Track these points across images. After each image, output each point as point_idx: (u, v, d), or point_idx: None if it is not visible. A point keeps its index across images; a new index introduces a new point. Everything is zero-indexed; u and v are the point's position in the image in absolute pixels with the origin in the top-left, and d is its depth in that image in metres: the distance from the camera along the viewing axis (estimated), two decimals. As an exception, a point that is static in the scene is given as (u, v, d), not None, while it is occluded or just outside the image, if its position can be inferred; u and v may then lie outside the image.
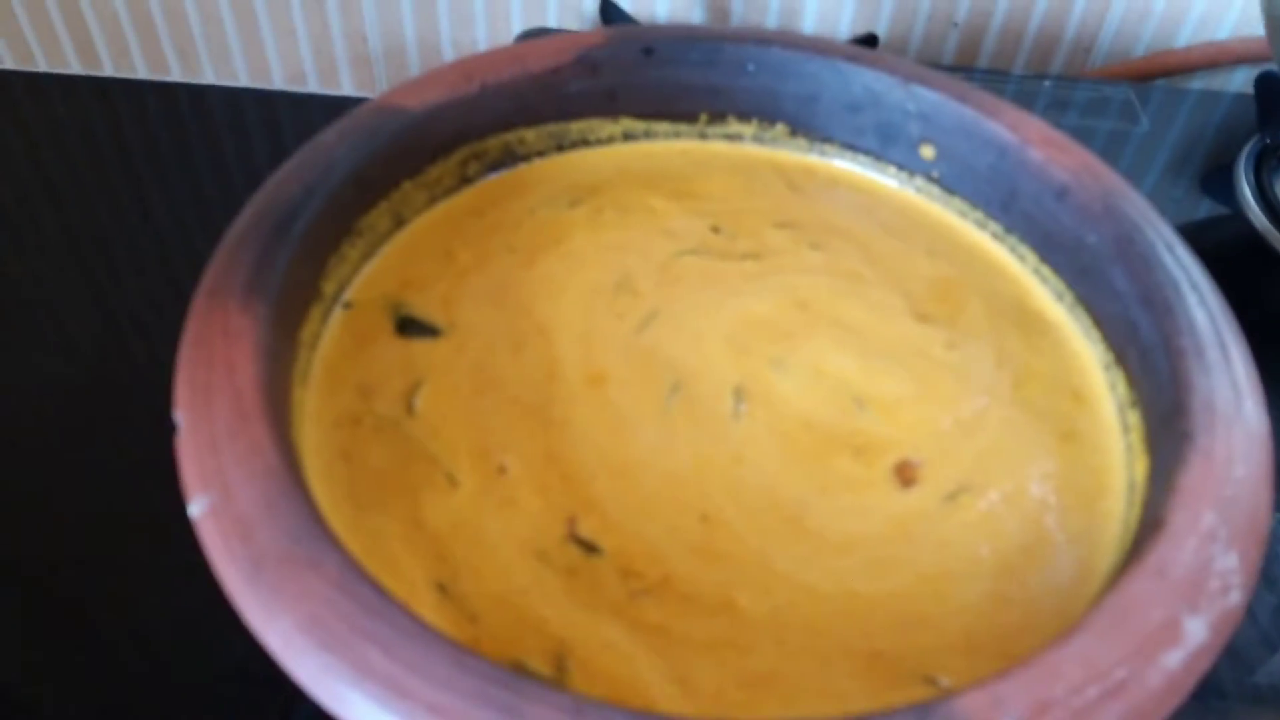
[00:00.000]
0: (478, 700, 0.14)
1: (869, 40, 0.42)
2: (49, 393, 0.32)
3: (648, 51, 0.26)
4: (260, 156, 0.43)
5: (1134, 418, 0.21)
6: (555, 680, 0.17)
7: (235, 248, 0.19)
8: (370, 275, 0.23)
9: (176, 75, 0.49)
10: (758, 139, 0.28)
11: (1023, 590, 0.19)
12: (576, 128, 0.27)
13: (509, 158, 0.26)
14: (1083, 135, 0.43)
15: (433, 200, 0.25)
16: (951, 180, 0.26)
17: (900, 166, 0.27)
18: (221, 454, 0.16)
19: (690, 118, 0.27)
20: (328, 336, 0.22)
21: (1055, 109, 0.44)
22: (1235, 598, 0.16)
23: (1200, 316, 0.20)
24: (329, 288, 0.22)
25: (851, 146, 0.27)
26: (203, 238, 0.38)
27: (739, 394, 0.22)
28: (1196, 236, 0.42)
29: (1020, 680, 0.15)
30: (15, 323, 0.34)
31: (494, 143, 0.26)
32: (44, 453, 0.30)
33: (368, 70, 0.49)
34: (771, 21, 0.47)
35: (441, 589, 0.18)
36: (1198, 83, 0.49)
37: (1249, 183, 0.38)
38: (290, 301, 0.20)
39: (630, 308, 0.23)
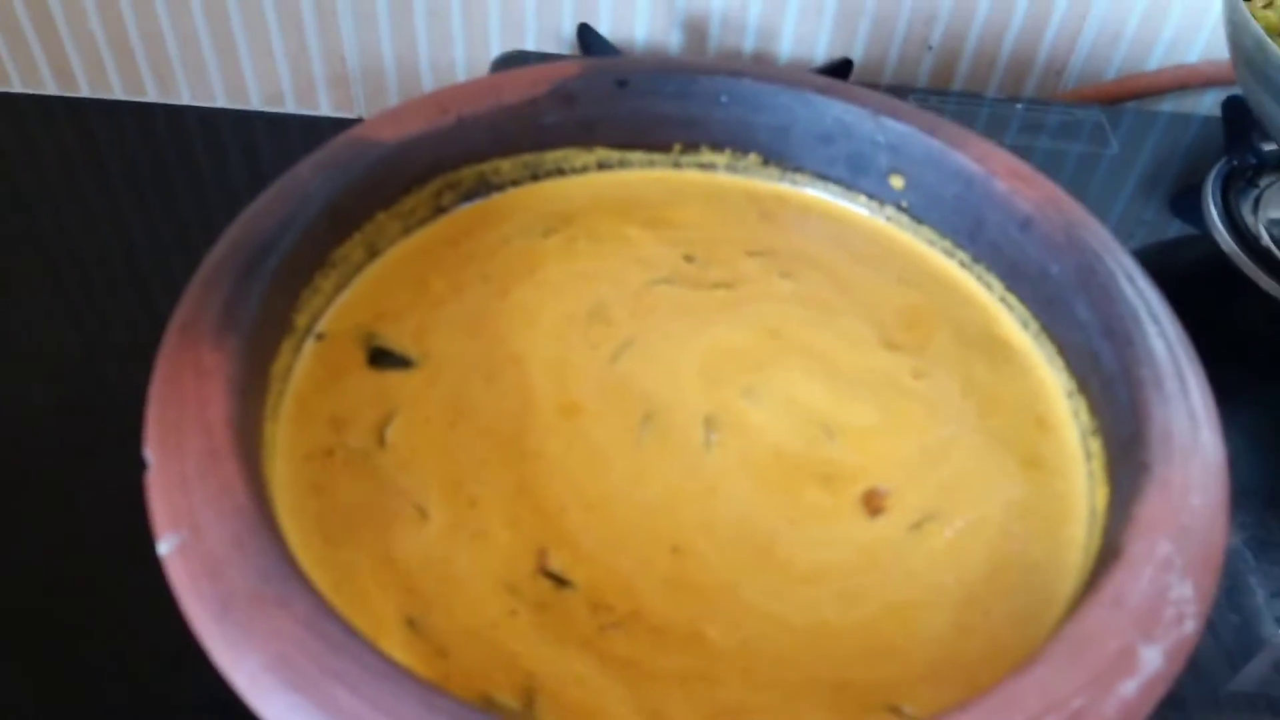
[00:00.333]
0: (445, 739, 0.14)
1: (843, 66, 0.43)
2: (23, 415, 0.32)
3: (622, 84, 0.26)
4: (237, 177, 0.43)
5: (1095, 445, 0.22)
6: (524, 715, 0.17)
7: (208, 283, 0.20)
8: (343, 306, 0.23)
9: (153, 95, 0.49)
10: (731, 168, 0.28)
11: (986, 619, 0.19)
12: (551, 157, 0.27)
13: (484, 187, 0.26)
14: (1054, 158, 0.43)
15: (407, 230, 0.25)
16: (920, 210, 0.27)
17: (870, 195, 0.27)
18: (191, 493, 0.16)
19: (664, 147, 0.28)
20: (300, 369, 0.22)
21: (1027, 132, 0.44)
22: (1190, 626, 0.17)
23: (1159, 347, 0.21)
24: (302, 320, 0.22)
25: (823, 176, 0.28)
26: (179, 258, 0.38)
27: (710, 424, 0.22)
28: (1165, 257, 0.43)
29: (980, 711, 0.15)
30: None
31: (469, 173, 0.26)
32: (16, 477, 0.30)
33: (346, 90, 0.49)
34: (749, 43, 0.48)
35: (411, 623, 0.18)
36: (1168, 105, 0.50)
37: (1216, 204, 0.39)
38: (262, 336, 0.20)
39: (604, 337, 0.23)
